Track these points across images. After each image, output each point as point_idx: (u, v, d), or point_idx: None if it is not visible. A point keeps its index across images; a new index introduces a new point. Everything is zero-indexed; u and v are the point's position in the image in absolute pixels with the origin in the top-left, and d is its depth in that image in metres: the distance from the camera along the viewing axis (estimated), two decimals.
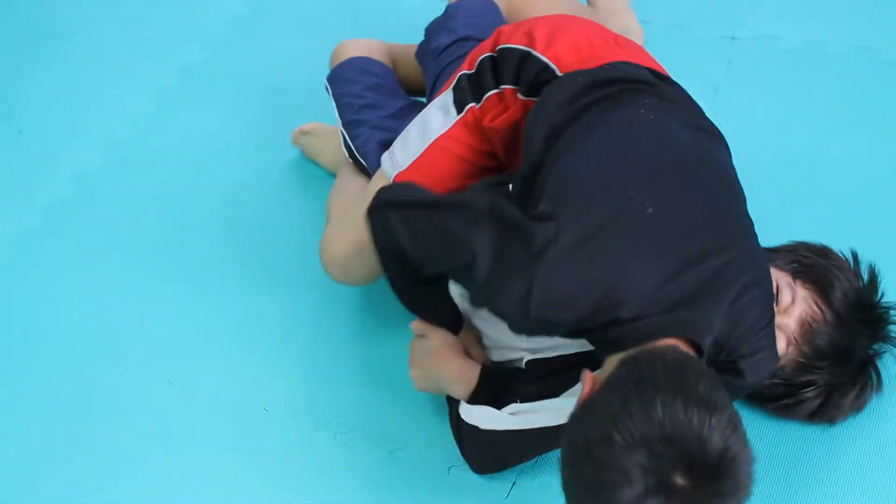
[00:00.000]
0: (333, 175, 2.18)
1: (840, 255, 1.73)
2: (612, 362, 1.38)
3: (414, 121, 1.81)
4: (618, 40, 1.74)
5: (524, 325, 1.45)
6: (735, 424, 1.24)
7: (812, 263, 1.69)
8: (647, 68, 1.67)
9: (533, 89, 1.67)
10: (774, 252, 1.73)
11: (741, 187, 1.59)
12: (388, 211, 1.51)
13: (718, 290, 1.42)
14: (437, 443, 1.77)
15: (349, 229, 1.83)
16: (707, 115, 1.65)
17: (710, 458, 1.20)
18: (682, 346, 1.37)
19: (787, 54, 2.43)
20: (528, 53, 1.69)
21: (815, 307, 1.65)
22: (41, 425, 1.85)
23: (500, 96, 1.71)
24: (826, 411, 1.68)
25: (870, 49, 2.41)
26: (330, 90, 2.12)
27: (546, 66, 1.67)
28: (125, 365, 1.93)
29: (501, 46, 1.71)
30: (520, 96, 1.69)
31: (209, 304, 2.02)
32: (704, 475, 1.20)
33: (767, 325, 1.51)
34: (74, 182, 2.27)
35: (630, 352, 1.36)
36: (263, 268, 2.07)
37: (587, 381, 1.35)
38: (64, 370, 1.93)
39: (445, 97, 1.76)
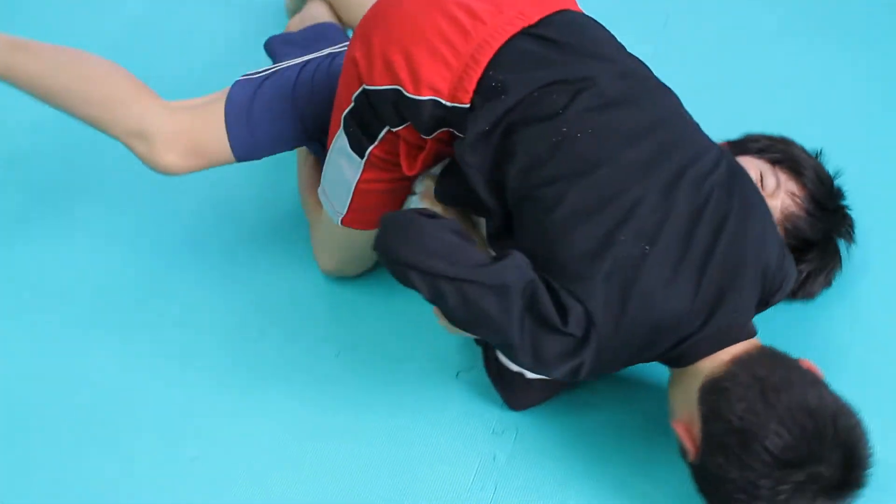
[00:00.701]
0: None
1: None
2: (683, 381, 1.53)
3: (327, 163, 1.79)
4: (471, 10, 1.58)
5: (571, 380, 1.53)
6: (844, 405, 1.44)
7: (782, 149, 1.81)
8: (525, 32, 1.56)
9: (433, 124, 1.60)
10: (741, 143, 1.83)
11: (694, 125, 1.59)
12: (406, 270, 1.45)
13: (739, 267, 1.50)
14: (440, 355, 1.82)
15: (328, 245, 1.91)
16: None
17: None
18: (738, 349, 1.50)
19: None
20: (400, 95, 1.59)
21: (795, 190, 1.77)
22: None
23: (395, 135, 1.65)
24: (809, 286, 1.80)
25: None
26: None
27: (430, 101, 1.57)
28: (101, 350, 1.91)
29: (368, 89, 1.62)
30: (424, 137, 1.62)
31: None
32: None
33: (784, 255, 1.59)
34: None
35: (702, 405, 1.48)
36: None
37: (684, 438, 1.50)
38: None
39: (342, 141, 1.72)
